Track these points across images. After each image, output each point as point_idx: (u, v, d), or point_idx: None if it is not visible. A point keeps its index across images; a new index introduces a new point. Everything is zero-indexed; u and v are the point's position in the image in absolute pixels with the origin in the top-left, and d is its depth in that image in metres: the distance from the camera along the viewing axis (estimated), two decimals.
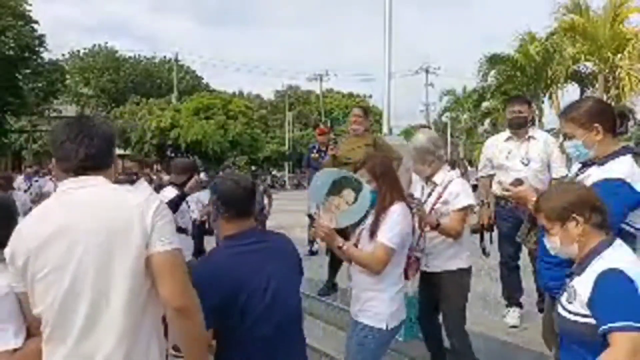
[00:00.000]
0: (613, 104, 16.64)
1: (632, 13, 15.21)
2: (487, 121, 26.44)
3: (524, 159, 4.08)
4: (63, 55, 45.24)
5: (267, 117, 43.97)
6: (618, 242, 1.73)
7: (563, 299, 1.75)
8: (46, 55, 28.93)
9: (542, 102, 18.40)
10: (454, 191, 2.99)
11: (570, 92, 21.24)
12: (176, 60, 43.00)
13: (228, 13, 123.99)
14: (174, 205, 3.81)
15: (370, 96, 54.10)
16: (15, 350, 1.57)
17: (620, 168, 1.93)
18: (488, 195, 4.29)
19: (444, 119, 38.94)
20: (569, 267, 1.83)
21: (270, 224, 7.49)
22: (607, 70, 15.42)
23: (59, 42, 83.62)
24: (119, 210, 1.53)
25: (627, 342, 1.51)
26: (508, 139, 4.16)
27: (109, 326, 1.48)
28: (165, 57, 50.22)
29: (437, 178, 3.06)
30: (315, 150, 6.43)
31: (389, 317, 2.51)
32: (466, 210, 3.02)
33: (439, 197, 3.01)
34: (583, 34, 15.34)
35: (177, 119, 32.35)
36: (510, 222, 4.01)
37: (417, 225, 2.88)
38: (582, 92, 18.03)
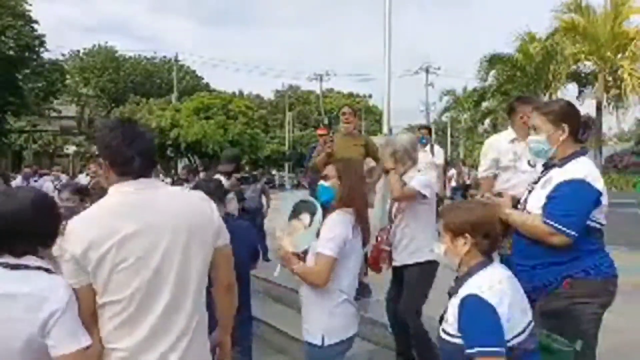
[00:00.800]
0: (612, 103, 16.64)
1: (634, 13, 15.19)
2: (487, 121, 26.47)
3: (531, 161, 4.03)
4: (63, 55, 45.24)
5: (267, 117, 43.98)
6: (494, 265, 1.83)
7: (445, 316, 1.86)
8: (46, 55, 28.97)
9: None
10: (412, 182, 3.30)
11: (570, 92, 21.27)
12: (176, 60, 43.04)
13: (228, 13, 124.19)
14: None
15: (370, 96, 54.25)
16: (87, 347, 1.55)
17: (581, 168, 2.03)
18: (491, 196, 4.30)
19: (444, 118, 38.99)
20: (542, 270, 1.93)
21: (269, 224, 7.46)
22: (607, 70, 15.41)
23: (59, 42, 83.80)
24: (194, 206, 1.72)
25: None
26: (513, 140, 4.05)
27: (182, 311, 1.64)
28: (165, 57, 50.31)
29: (406, 177, 3.36)
30: (316, 150, 6.43)
31: (326, 332, 2.30)
32: (413, 192, 3.26)
33: None
34: (583, 34, 15.34)
35: (177, 119, 32.36)
36: None
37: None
38: (581, 91, 18.05)
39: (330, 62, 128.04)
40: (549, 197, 2.04)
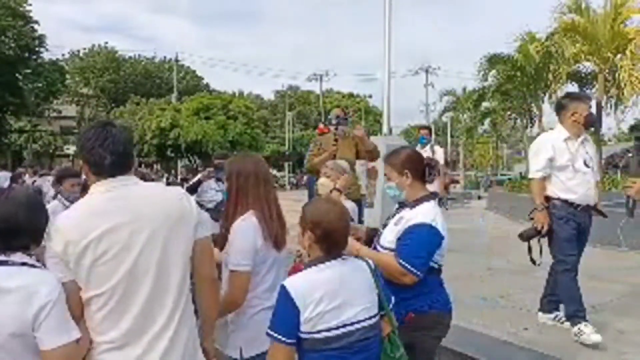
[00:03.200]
0: (613, 102, 16.62)
1: (634, 14, 15.19)
2: (487, 121, 26.46)
3: (587, 160, 3.96)
4: (63, 55, 45.26)
5: (267, 117, 43.99)
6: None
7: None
8: (46, 55, 28.97)
9: (542, 102, 18.38)
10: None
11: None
12: (176, 60, 43.05)
13: (229, 13, 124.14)
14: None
15: (370, 96, 54.25)
16: (77, 340, 1.59)
17: (427, 213, 2.27)
18: (542, 198, 3.94)
19: (444, 119, 38.93)
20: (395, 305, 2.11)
21: None
22: (607, 70, 15.41)
23: (59, 42, 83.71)
24: (171, 200, 1.77)
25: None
26: (566, 139, 3.92)
27: (165, 304, 1.69)
28: (165, 57, 50.31)
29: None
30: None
31: (244, 344, 2.14)
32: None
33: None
34: (583, 34, 15.32)
35: (177, 119, 32.36)
36: (572, 225, 3.88)
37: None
38: (581, 91, 18.04)
39: (330, 62, 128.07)
40: (402, 238, 2.24)
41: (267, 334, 1.83)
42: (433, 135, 8.15)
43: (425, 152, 6.47)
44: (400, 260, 2.19)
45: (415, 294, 2.24)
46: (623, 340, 3.80)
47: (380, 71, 7.91)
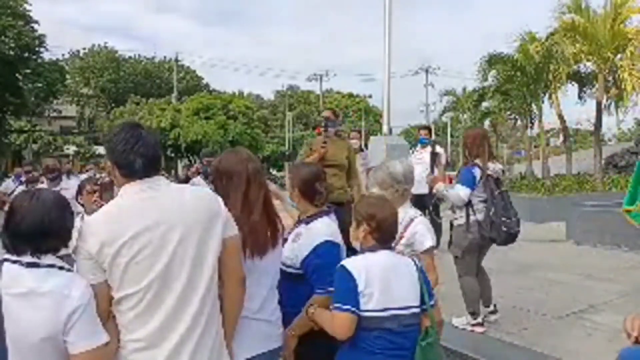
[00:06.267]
0: (613, 103, 16.60)
1: (634, 14, 15.17)
2: (487, 121, 26.43)
3: None
4: (63, 55, 45.25)
5: (267, 117, 43.95)
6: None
7: None
8: (46, 55, 28.92)
9: (542, 102, 18.35)
10: (419, 231, 2.72)
11: (570, 92, 21.27)
12: (176, 60, 43.03)
13: (228, 13, 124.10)
14: None
15: (370, 96, 54.20)
16: (105, 344, 1.60)
17: (324, 229, 2.31)
18: None
19: (444, 119, 38.96)
20: None
21: None
22: (607, 70, 15.39)
23: (59, 42, 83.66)
24: (200, 200, 1.79)
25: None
26: None
27: (193, 303, 1.70)
28: (165, 57, 50.29)
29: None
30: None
31: (236, 348, 1.94)
32: (432, 252, 2.76)
33: (400, 237, 2.66)
34: (583, 34, 15.29)
35: (177, 119, 32.35)
36: None
37: None
38: (581, 91, 18.03)
39: (331, 62, 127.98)
40: (309, 259, 2.24)
41: (332, 308, 2.01)
42: (433, 136, 8.12)
43: (426, 153, 6.45)
44: (319, 289, 2.20)
45: None
46: (621, 340, 3.81)
47: (380, 71, 7.91)
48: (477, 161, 4.09)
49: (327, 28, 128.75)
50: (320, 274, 2.22)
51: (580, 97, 18.30)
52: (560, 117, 18.02)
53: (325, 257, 2.23)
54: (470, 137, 4.24)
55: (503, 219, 3.95)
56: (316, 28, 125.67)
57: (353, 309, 1.97)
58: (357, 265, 2.03)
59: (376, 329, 1.99)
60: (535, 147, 26.09)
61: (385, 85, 7.91)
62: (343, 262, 2.08)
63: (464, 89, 34.64)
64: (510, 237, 4.00)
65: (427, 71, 41.31)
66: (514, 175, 21.21)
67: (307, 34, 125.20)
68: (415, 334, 2.06)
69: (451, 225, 4.26)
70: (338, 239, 2.35)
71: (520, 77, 17.87)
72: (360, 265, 2.04)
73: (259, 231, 2.01)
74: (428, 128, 8.30)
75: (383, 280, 2.02)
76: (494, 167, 4.14)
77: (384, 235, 2.14)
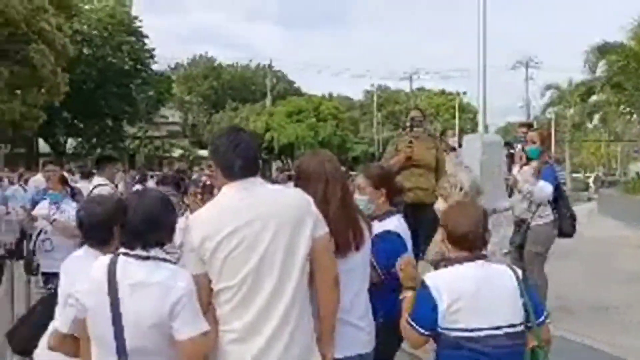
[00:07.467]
0: None
1: None
2: (596, 117, 24.25)
3: None
4: (169, 66, 49.03)
5: (356, 118, 44.11)
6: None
7: None
8: (155, 67, 31.66)
9: None
10: None
11: None
12: (269, 66, 44.72)
13: (317, 17, 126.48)
14: None
15: (465, 93, 52.06)
16: (205, 333, 1.74)
17: (393, 223, 2.44)
18: None
19: (547, 114, 36.32)
20: None
21: None
22: None
23: (163, 54, 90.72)
24: (293, 200, 1.88)
25: None
26: None
27: (285, 299, 1.77)
28: (260, 64, 52.44)
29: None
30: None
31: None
32: None
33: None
34: None
35: (270, 123, 33.67)
36: None
37: None
38: None
39: (421, 60, 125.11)
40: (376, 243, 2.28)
41: (406, 320, 1.98)
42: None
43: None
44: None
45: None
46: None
47: (475, 67, 7.58)
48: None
49: (416, 25, 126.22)
50: (380, 257, 2.28)
51: None
52: None
53: (387, 243, 2.30)
54: (548, 137, 4.60)
55: (571, 213, 4.38)
56: (405, 26, 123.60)
57: (422, 330, 1.93)
58: (438, 283, 1.92)
59: (463, 348, 1.85)
60: None
61: (480, 81, 7.56)
62: (426, 277, 1.99)
63: (570, 82, 32.00)
64: (573, 232, 4.42)
65: (527, 64, 38.86)
66: (629, 176, 19.23)
67: (396, 32, 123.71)
68: (512, 357, 1.86)
69: (519, 223, 4.41)
70: (406, 235, 2.45)
71: (636, 68, 16.13)
72: (442, 281, 1.93)
73: (337, 231, 1.98)
74: (529, 125, 7.75)
75: (470, 296, 1.87)
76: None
77: (463, 243, 1.97)
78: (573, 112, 30.78)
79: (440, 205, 3.11)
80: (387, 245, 2.34)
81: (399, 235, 2.41)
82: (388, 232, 2.38)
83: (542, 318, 1.94)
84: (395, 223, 2.47)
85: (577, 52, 25.77)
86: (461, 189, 2.61)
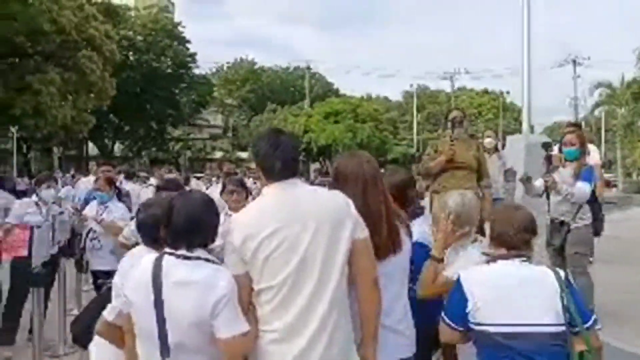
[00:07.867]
0: None
1: None
2: None
3: None
4: (210, 70, 50.18)
5: (395, 119, 43.75)
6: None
7: None
8: (197, 71, 32.52)
9: None
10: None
11: None
12: (308, 68, 45.06)
13: (355, 18, 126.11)
14: None
15: (508, 92, 50.64)
16: (245, 333, 1.77)
17: (415, 231, 2.31)
18: None
19: (596, 114, 34.82)
20: None
21: None
22: None
23: (204, 58, 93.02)
24: (332, 201, 1.87)
25: None
26: None
27: (325, 300, 1.77)
28: (298, 66, 52.89)
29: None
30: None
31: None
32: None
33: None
34: None
35: (308, 124, 33.86)
36: None
37: None
38: None
39: (463, 59, 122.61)
40: None
41: (441, 316, 2.04)
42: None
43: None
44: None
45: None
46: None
47: (519, 65, 7.37)
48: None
49: (457, 24, 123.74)
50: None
51: None
52: None
53: (414, 259, 2.24)
54: (587, 139, 4.63)
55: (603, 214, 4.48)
56: (445, 25, 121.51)
57: (453, 324, 1.99)
58: (471, 279, 1.98)
59: (497, 345, 1.87)
60: None
61: (524, 80, 7.35)
62: (460, 274, 2.03)
63: (622, 80, 30.52)
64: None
65: (574, 62, 37.38)
66: None
67: (436, 32, 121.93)
68: (553, 357, 1.84)
69: (557, 226, 4.39)
70: (427, 240, 2.46)
71: None
72: (475, 278, 1.98)
73: (375, 233, 1.94)
74: (577, 125, 7.41)
75: (504, 293, 1.91)
76: None
77: (502, 242, 2.03)
78: (624, 112, 29.35)
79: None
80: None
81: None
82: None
83: (590, 322, 1.90)
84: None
85: (628, 48, 24.58)
86: (450, 213, 2.40)
